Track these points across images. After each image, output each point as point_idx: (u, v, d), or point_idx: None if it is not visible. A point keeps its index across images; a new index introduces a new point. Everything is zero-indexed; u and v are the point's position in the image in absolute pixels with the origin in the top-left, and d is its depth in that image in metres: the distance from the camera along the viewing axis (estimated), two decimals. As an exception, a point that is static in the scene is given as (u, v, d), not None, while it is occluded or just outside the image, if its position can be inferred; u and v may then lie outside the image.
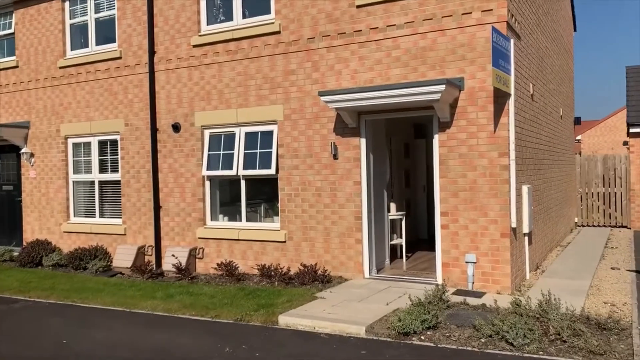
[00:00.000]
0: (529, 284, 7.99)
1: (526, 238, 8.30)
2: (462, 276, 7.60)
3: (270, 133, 9.11)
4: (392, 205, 9.79)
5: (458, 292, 7.28)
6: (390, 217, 9.65)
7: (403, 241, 9.93)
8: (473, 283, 7.49)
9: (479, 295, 7.20)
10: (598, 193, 16.18)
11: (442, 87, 6.99)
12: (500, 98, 7.37)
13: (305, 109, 8.71)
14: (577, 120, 16.32)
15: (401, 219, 9.99)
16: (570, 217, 14.79)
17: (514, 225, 7.42)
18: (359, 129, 8.32)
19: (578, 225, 16.11)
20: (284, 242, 8.96)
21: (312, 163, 8.65)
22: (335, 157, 8.44)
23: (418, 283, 7.98)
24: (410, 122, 12.53)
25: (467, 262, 7.54)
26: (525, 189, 8.05)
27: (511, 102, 7.40)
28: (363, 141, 8.30)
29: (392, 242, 9.79)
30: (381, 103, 7.47)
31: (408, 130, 12.43)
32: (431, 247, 11.66)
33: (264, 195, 9.84)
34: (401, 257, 10.26)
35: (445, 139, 7.69)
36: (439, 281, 7.82)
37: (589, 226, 16.12)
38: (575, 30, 16.90)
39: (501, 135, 7.35)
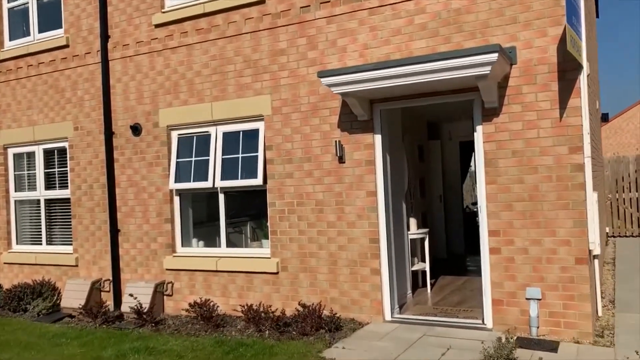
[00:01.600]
0: (607, 324, 5.94)
1: (596, 262, 6.27)
2: (522, 317, 5.54)
3: (255, 132, 7.05)
4: (412, 221, 7.74)
5: (520, 342, 5.22)
6: (410, 237, 7.60)
7: (427, 266, 7.87)
8: (538, 327, 5.43)
9: (552, 346, 5.14)
10: (630, 199, 14.24)
11: (494, 57, 4.99)
12: (568, 73, 5.38)
13: (300, 99, 6.67)
14: (605, 117, 14.45)
15: (423, 239, 7.94)
16: (603, 227, 12.81)
17: (592, 247, 5.40)
18: (372, 122, 6.28)
19: (609, 236, 14.13)
20: (276, 273, 6.87)
21: (310, 169, 6.60)
22: (341, 160, 6.39)
23: (461, 328, 5.90)
24: (425, 119, 10.54)
25: (528, 299, 5.49)
26: (595, 196, 6.04)
27: (583, 77, 5.40)
28: (378, 138, 6.27)
29: (414, 268, 7.73)
30: (406, 83, 5.44)
31: (421, 130, 10.43)
32: (453, 269, 9.70)
33: (250, 212, 7.77)
34: (424, 285, 8.19)
35: (492, 131, 5.67)
36: (489, 324, 5.76)
37: (622, 236, 14.15)
38: (597, 16, 15.09)
39: (571, 124, 5.34)
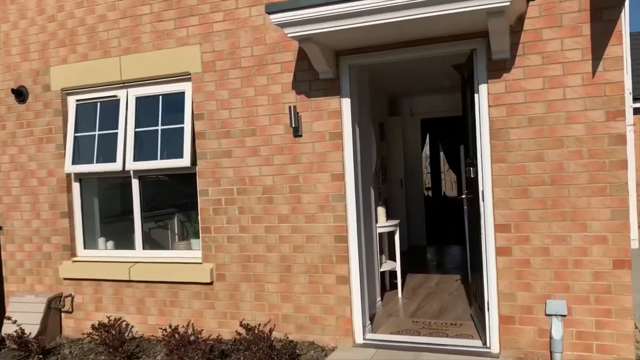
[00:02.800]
0: None
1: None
2: (540, 340, 4.18)
3: (180, 96, 5.31)
4: (381, 211, 6.25)
5: (544, 376, 3.86)
6: (379, 230, 6.12)
7: (398, 266, 6.42)
8: (562, 353, 4.09)
9: (588, 381, 3.81)
10: None
11: (520, -21, 3.53)
12: (605, 11, 3.99)
13: (240, 51, 4.99)
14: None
15: (393, 232, 6.48)
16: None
17: (637, 244, 4.09)
18: (338, 81, 4.70)
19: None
20: (210, 283, 5.20)
21: (255, 145, 4.96)
22: (297, 132, 4.79)
23: (457, 354, 4.45)
24: (385, 92, 9.07)
25: (549, 315, 4.13)
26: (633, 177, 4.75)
27: (625, 16, 4.03)
28: (346, 104, 4.70)
29: (383, 269, 6.26)
30: (391, 21, 3.87)
31: (382, 104, 8.97)
32: (419, 265, 8.21)
33: (176, 202, 6.06)
34: (392, 287, 6.77)
35: (501, 91, 4.22)
36: (494, 347, 4.36)
37: None
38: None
39: (609, 80, 3.98)
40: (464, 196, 5.41)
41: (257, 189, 4.96)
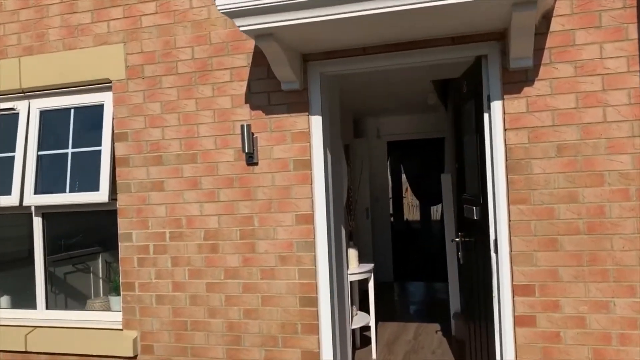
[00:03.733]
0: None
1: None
2: None
3: (98, 110, 4.07)
4: (352, 254, 5.14)
5: None
6: (351, 278, 5.01)
7: (372, 320, 5.31)
8: None
9: None
10: None
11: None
12: (656, 9, 3.10)
13: (177, 53, 3.83)
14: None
15: (368, 278, 5.37)
16: None
17: (700, 313, 3.15)
18: (306, 93, 3.60)
19: None
20: (133, 358, 3.93)
21: (196, 175, 3.78)
22: (251, 159, 3.64)
23: None
24: (352, 112, 8.06)
25: (588, 408, 3.12)
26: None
27: (681, 19, 3.14)
28: (317, 123, 3.59)
29: (355, 326, 5.13)
30: (387, 12, 2.81)
31: (347, 123, 7.95)
32: (390, 308, 7.00)
33: (101, 238, 4.81)
34: (363, 344, 5.65)
35: (520, 110, 3.22)
36: None
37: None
38: None
39: (661, 99, 3.06)
40: (457, 239, 4.38)
41: (198, 233, 3.77)
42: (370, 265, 5.27)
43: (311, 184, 3.54)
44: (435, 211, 16.40)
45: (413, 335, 6.01)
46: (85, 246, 5.15)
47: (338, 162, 4.29)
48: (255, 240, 3.64)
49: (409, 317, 6.81)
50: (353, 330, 5.60)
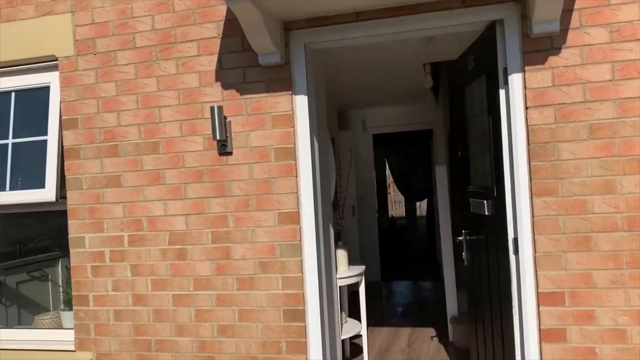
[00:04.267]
0: None
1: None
2: None
3: (43, 93, 3.45)
4: (342, 255, 4.59)
5: None
6: (340, 283, 4.46)
7: (364, 329, 4.77)
8: None
9: None
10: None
11: None
12: None
13: (135, 23, 3.23)
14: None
15: (359, 282, 4.83)
16: None
17: None
18: (289, 68, 3.03)
19: None
20: (88, 385, 3.34)
21: (159, 168, 3.19)
22: (224, 148, 3.06)
23: None
24: (337, 103, 7.51)
25: None
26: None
27: None
28: (302, 103, 3.02)
29: (345, 336, 4.59)
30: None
31: (332, 115, 7.40)
32: (379, 310, 6.22)
33: (51, 249, 4.23)
34: (354, 353, 5.12)
35: (545, 84, 2.70)
36: None
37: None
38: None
39: None
40: (461, 238, 3.86)
41: (162, 237, 3.18)
42: (361, 268, 4.73)
43: (296, 176, 2.98)
44: (419, 207, 15.97)
45: (407, 342, 5.50)
46: (44, 251, 4.57)
47: (326, 152, 3.74)
48: (230, 244, 3.07)
49: (400, 321, 6.29)
50: (343, 339, 5.07)
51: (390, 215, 14.34)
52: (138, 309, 3.23)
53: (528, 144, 2.72)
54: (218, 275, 3.09)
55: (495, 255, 3.12)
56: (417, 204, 15.05)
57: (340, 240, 4.76)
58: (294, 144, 2.98)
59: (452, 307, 5.38)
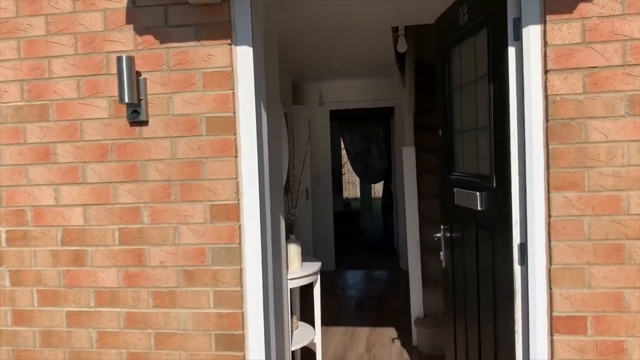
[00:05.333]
0: None
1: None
2: None
3: None
4: (294, 251, 3.86)
5: None
6: (291, 284, 3.73)
7: (318, 337, 4.07)
8: None
9: None
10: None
11: None
12: None
13: (15, -58, 2.35)
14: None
15: (314, 282, 4.11)
16: None
17: None
18: (228, 9, 2.23)
19: None
20: None
21: (48, 141, 2.34)
22: (136, 115, 2.25)
23: None
24: (291, 74, 6.70)
25: None
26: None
27: None
28: (245, 56, 2.23)
29: (295, 347, 3.87)
30: None
31: (285, 87, 6.61)
32: (333, 307, 5.09)
33: None
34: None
35: (572, 40, 2.02)
36: None
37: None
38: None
39: None
40: (439, 235, 3.20)
41: (52, 234, 2.35)
42: (316, 265, 4.02)
43: (236, 156, 2.21)
44: (374, 189, 15.43)
45: (365, 346, 4.87)
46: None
47: (277, 125, 2.97)
48: (144, 246, 2.28)
49: (357, 319, 5.65)
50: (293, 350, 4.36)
51: (345, 197, 13.72)
52: (20, 330, 2.40)
53: (546, 119, 2.04)
54: (128, 288, 2.30)
55: (489, 263, 2.46)
56: (373, 185, 14.50)
57: (293, 233, 4.02)
58: (234, 113, 2.20)
59: (417, 307, 4.78)
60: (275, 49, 3.07)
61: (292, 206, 3.81)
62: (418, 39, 5.94)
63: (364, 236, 11.26)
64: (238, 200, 2.22)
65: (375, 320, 5.58)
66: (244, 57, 2.20)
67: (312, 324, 4.38)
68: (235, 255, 2.22)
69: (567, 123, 2.02)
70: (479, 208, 2.53)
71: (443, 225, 3.15)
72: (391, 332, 5.21)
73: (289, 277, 3.67)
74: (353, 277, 7.69)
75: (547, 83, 2.02)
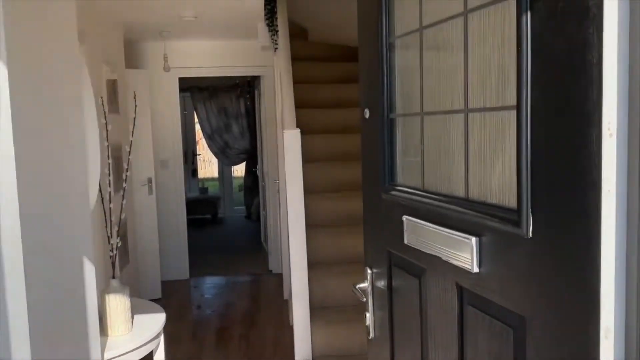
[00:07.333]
0: None
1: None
2: None
3: None
4: (119, 304, 2.34)
5: None
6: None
7: None
8: None
9: None
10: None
11: None
12: None
13: None
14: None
15: (154, 350, 2.61)
16: None
17: None
18: None
19: None
20: None
21: None
22: None
23: None
24: (122, 26, 4.93)
25: None
26: None
27: None
28: None
29: None
30: None
31: (112, 44, 4.86)
32: (183, 338, 4.28)
33: None
34: None
35: None
36: None
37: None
38: None
39: None
40: (364, 285, 1.90)
41: None
42: (159, 325, 2.53)
43: None
44: (234, 168, 13.91)
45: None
46: None
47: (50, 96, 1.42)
48: None
49: (222, 357, 4.25)
50: None
51: (201, 180, 12.06)
52: None
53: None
54: None
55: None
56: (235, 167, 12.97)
57: (122, 269, 2.47)
58: None
59: (303, 352, 3.51)
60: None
61: (111, 235, 2.27)
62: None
63: (224, 227, 9.81)
64: None
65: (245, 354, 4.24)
66: None
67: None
68: None
69: None
70: (475, 270, 1.26)
71: (371, 269, 1.87)
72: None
73: (106, 355, 2.15)
74: (213, 286, 6.25)
75: None
